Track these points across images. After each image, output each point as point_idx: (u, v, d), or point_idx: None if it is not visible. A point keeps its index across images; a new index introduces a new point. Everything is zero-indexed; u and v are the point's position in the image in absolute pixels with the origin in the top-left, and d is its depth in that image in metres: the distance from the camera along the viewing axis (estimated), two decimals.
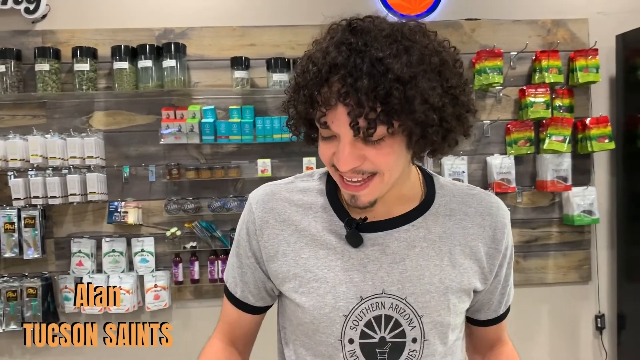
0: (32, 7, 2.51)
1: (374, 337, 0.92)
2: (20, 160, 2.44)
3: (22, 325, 2.45)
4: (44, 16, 2.56)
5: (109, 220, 2.50)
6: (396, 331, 0.92)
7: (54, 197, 2.44)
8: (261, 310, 1.03)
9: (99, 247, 2.57)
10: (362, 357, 0.93)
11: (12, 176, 2.47)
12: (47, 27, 2.57)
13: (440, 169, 2.61)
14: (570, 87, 2.68)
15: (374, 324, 0.92)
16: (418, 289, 0.91)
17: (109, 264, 2.55)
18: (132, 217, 2.50)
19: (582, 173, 2.71)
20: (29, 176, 2.46)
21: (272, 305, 1.04)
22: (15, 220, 2.46)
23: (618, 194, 2.73)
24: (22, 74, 2.50)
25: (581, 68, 2.60)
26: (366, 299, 0.91)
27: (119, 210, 2.50)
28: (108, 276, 2.53)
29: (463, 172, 2.59)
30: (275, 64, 2.52)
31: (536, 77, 2.63)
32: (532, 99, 2.57)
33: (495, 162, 2.61)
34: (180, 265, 2.56)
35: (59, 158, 2.44)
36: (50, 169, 2.47)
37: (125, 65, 2.47)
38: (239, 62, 2.53)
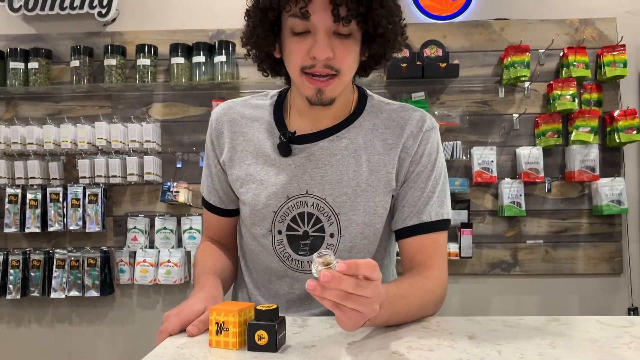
0: (104, 11, 2.86)
1: (298, 231, 1.09)
2: (88, 143, 2.75)
3: (82, 292, 2.74)
4: (113, 20, 2.91)
5: (162, 198, 2.76)
6: (317, 226, 1.08)
7: (115, 176, 2.73)
8: (235, 213, 1.20)
9: (152, 224, 2.83)
10: (288, 246, 1.10)
11: (80, 158, 2.79)
12: (115, 29, 2.91)
13: (470, 159, 2.74)
14: (599, 82, 2.78)
15: (298, 220, 1.08)
16: (336, 190, 1.06)
17: (160, 240, 2.79)
18: (183, 197, 2.75)
19: (611, 165, 2.77)
20: (94, 158, 2.77)
21: None
22: (80, 197, 2.75)
23: None
24: (92, 69, 2.84)
25: (608, 63, 2.70)
26: (292, 198, 1.08)
27: (171, 189, 2.75)
28: (159, 251, 2.78)
29: (492, 161, 2.71)
30: None
31: (563, 72, 2.75)
32: (560, 92, 2.68)
33: (524, 152, 2.72)
34: None
35: (121, 142, 2.74)
36: (113, 152, 2.77)
37: (181, 60, 2.76)
38: None
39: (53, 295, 2.74)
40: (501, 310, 2.77)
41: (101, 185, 2.76)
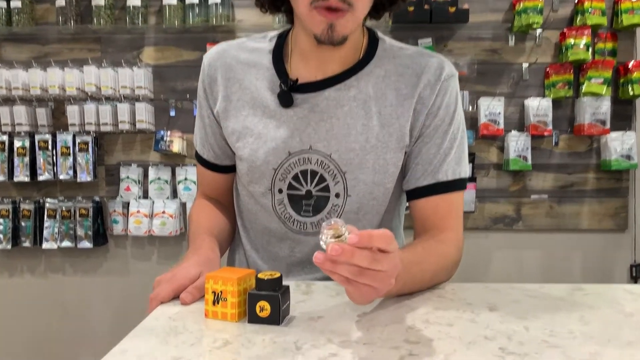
0: None
1: (300, 190, 0.99)
2: (76, 89, 2.61)
3: (74, 243, 2.67)
4: None
5: (155, 147, 2.65)
6: (321, 185, 0.98)
7: (106, 124, 2.61)
8: (232, 169, 1.09)
9: (145, 175, 2.73)
10: (289, 206, 1.01)
11: (69, 104, 2.66)
12: None
13: (476, 110, 2.63)
14: (614, 30, 2.64)
15: (301, 178, 0.98)
16: (343, 146, 0.95)
17: (154, 190, 2.70)
18: (177, 146, 2.64)
19: (623, 119, 2.67)
20: (83, 104, 2.64)
21: None
22: (70, 145, 2.64)
23: None
24: (80, 9, 2.66)
25: (626, 10, 2.55)
26: (294, 154, 0.97)
27: (164, 139, 2.64)
28: (153, 202, 2.69)
29: (499, 113, 2.60)
30: None
31: (578, 19, 2.60)
32: (573, 41, 2.55)
33: (533, 104, 2.61)
34: None
35: (111, 88, 2.60)
36: (103, 98, 2.64)
37: (174, 1, 2.59)
38: None
39: (45, 245, 2.67)
40: (502, 266, 2.74)
41: (92, 133, 2.65)
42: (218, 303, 0.74)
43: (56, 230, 2.67)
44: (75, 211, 2.67)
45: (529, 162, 2.62)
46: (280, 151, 0.97)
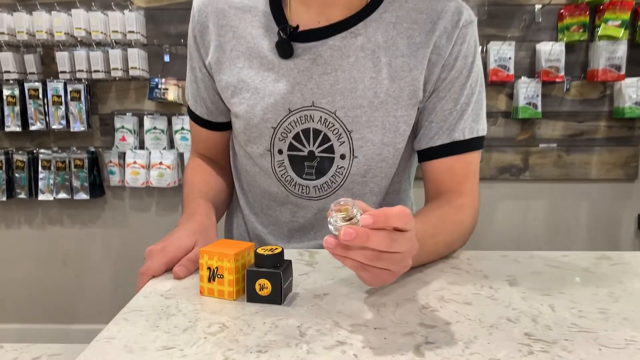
0: None
1: (302, 150, 0.90)
2: (65, 34, 2.48)
3: (71, 195, 2.60)
4: None
5: (150, 96, 2.55)
6: (325, 146, 0.89)
7: (97, 71, 2.49)
8: (227, 126, 1.01)
9: (141, 124, 2.64)
10: (290, 168, 0.92)
11: (58, 50, 2.53)
12: None
13: (486, 55, 2.51)
14: None
15: (302, 137, 0.89)
16: (349, 102, 0.86)
17: (150, 140, 2.62)
18: (172, 95, 2.54)
19: (639, 64, 2.55)
20: (74, 50, 2.51)
21: None
22: (62, 93, 2.53)
23: None
24: None
25: None
26: (295, 112, 0.88)
27: (159, 86, 2.53)
28: (150, 152, 2.61)
29: (509, 58, 2.48)
30: None
31: None
32: None
33: (545, 48, 2.48)
34: None
35: (102, 32, 2.47)
36: (94, 43, 2.51)
37: None
38: None
39: (41, 197, 2.61)
40: (507, 216, 2.69)
41: (83, 80, 2.53)
42: (214, 280, 0.68)
43: (51, 181, 2.60)
44: (70, 162, 2.59)
45: (539, 109, 2.52)
46: (280, 108, 0.88)
